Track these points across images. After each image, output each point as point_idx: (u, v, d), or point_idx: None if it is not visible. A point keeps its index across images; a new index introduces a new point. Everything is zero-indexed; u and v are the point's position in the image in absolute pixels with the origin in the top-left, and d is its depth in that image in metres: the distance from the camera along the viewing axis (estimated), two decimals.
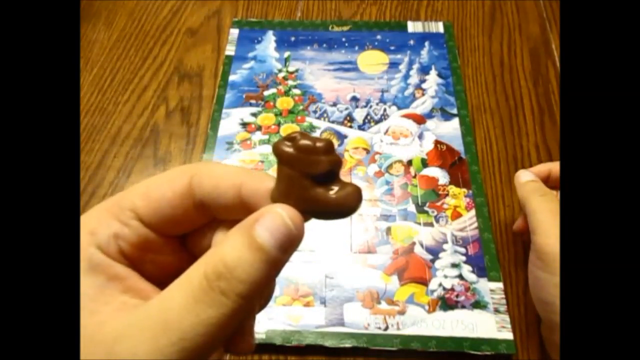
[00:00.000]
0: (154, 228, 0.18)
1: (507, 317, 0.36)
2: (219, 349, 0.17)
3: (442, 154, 0.45)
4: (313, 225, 0.43)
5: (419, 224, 0.41)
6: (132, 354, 0.14)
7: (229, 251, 0.15)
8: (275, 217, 0.16)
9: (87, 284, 0.16)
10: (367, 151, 0.46)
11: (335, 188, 0.16)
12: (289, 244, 0.16)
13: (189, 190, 0.18)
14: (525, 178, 0.36)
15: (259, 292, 0.16)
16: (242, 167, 0.18)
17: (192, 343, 0.15)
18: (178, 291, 0.15)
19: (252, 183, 0.17)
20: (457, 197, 0.42)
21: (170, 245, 0.19)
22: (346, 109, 0.48)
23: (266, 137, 0.47)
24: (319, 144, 0.16)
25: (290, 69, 0.51)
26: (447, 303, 0.37)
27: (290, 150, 0.16)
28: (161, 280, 0.17)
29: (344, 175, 0.44)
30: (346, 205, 0.16)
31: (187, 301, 0.15)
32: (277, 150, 0.17)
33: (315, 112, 0.48)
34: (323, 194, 0.16)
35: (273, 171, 0.44)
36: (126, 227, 0.17)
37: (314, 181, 0.16)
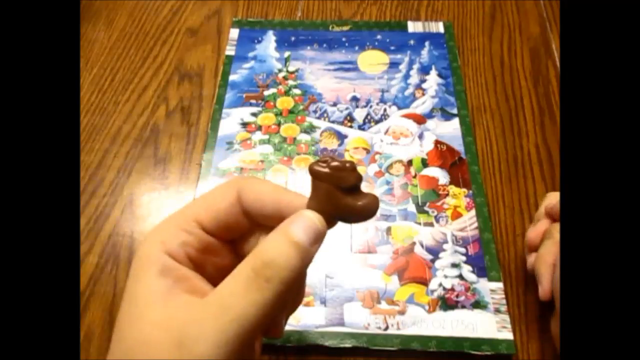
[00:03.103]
0: (213, 234, 0.22)
1: (507, 317, 0.36)
2: (263, 330, 0.21)
3: (442, 154, 0.45)
4: None
5: (419, 224, 0.41)
6: (200, 333, 0.18)
7: (271, 247, 0.20)
8: (306, 219, 0.21)
9: (159, 285, 0.20)
10: (367, 151, 0.46)
11: (360, 197, 0.21)
12: (317, 238, 0.21)
13: (238, 201, 0.22)
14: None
15: (295, 280, 0.20)
16: (279, 185, 0.23)
17: (246, 321, 0.18)
18: (231, 283, 0.19)
19: (288, 199, 0.22)
20: (457, 197, 0.42)
21: (226, 249, 0.24)
22: (346, 108, 0.48)
23: (266, 137, 0.47)
24: (347, 164, 0.21)
25: (291, 68, 0.51)
26: (447, 303, 0.37)
27: (324, 169, 0.21)
28: (218, 279, 0.21)
29: None
30: (370, 210, 0.21)
31: (239, 289, 0.19)
32: (313, 171, 0.21)
33: (315, 112, 0.48)
34: (352, 202, 0.21)
35: (273, 171, 0.44)
36: (192, 236, 0.22)
37: (344, 192, 0.21)
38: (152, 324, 0.19)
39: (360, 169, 0.44)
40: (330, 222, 0.22)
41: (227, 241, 0.24)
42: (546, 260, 0.33)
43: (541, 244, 0.34)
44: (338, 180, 0.21)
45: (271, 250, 0.20)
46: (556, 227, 0.34)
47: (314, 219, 0.21)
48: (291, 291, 0.20)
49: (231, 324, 0.18)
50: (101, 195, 0.44)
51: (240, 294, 0.19)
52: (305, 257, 0.20)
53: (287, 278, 0.19)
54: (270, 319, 0.20)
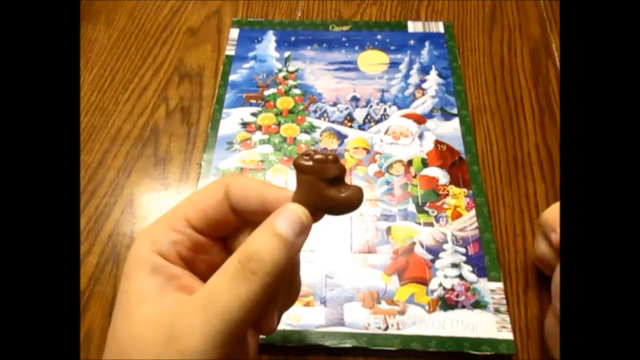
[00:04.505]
0: (203, 232, 0.23)
1: (507, 317, 0.36)
2: (252, 323, 0.20)
3: (442, 154, 0.45)
4: (313, 226, 0.43)
5: (419, 224, 0.41)
6: (189, 326, 0.19)
7: (256, 241, 0.20)
8: (291, 212, 0.21)
9: (150, 283, 0.20)
10: (367, 151, 0.46)
11: (343, 189, 0.22)
12: (302, 230, 0.21)
13: (226, 198, 0.22)
14: None
15: (281, 272, 0.20)
16: (265, 180, 0.24)
17: (232, 314, 0.19)
18: (218, 277, 0.20)
19: (273, 193, 0.22)
20: (457, 197, 0.42)
21: (216, 246, 0.24)
22: (346, 108, 0.48)
23: (266, 137, 0.47)
24: (329, 157, 0.21)
25: (291, 68, 0.51)
26: (447, 303, 0.37)
27: (308, 162, 0.21)
28: (210, 277, 0.21)
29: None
30: (353, 201, 0.21)
31: (225, 283, 0.19)
32: (298, 164, 0.22)
33: (315, 112, 0.48)
34: (335, 193, 0.21)
35: (273, 171, 0.44)
36: (182, 235, 0.22)
37: (327, 184, 0.21)
38: (142, 322, 0.19)
39: (360, 169, 0.45)
40: (315, 215, 0.22)
41: (217, 239, 0.24)
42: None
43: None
44: (321, 172, 0.21)
45: (256, 244, 0.20)
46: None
47: (298, 211, 0.21)
48: (279, 284, 0.21)
49: (218, 317, 0.19)
50: (101, 195, 0.44)
51: (226, 287, 0.19)
52: (290, 250, 0.20)
53: (273, 270, 0.19)
54: (258, 312, 0.20)
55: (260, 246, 0.20)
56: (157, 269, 0.21)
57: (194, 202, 0.23)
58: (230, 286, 0.19)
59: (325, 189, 0.21)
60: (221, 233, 0.24)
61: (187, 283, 0.21)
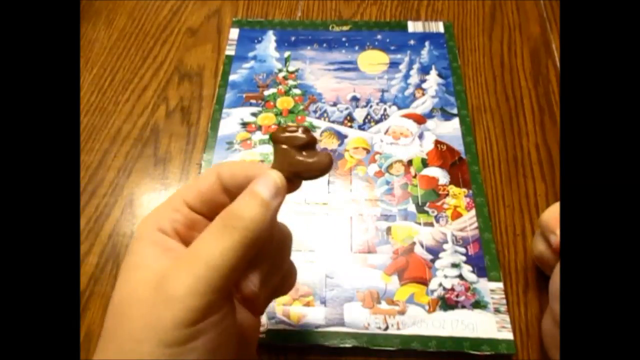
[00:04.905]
0: (199, 211, 0.25)
1: (507, 317, 0.36)
2: (235, 277, 0.23)
3: (442, 154, 0.45)
4: (313, 226, 0.43)
5: (419, 224, 0.41)
6: (175, 275, 0.21)
7: (237, 202, 0.23)
8: (267, 176, 0.24)
9: (149, 253, 0.23)
10: (367, 151, 0.46)
11: (314, 155, 0.24)
12: (276, 192, 0.23)
13: (217, 180, 0.25)
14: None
15: (259, 228, 0.22)
16: (251, 161, 0.26)
17: (214, 264, 0.21)
18: (204, 234, 0.22)
19: (256, 169, 0.24)
20: (457, 197, 0.42)
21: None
22: (346, 108, 0.48)
23: (266, 136, 0.47)
24: (300, 128, 0.24)
25: (291, 68, 0.51)
26: (447, 303, 0.37)
27: (282, 134, 0.24)
28: None
29: (344, 175, 0.44)
30: (321, 164, 0.24)
31: (208, 238, 0.22)
32: (274, 136, 0.25)
33: (315, 112, 0.48)
34: (304, 159, 0.24)
35: None
36: (179, 213, 0.25)
37: (298, 152, 0.24)
38: (137, 281, 0.22)
39: (360, 169, 0.45)
40: (292, 182, 0.24)
41: (211, 218, 0.25)
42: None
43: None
44: (292, 140, 0.24)
45: (236, 203, 0.23)
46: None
47: (273, 175, 0.24)
48: (259, 244, 0.23)
49: (202, 266, 0.21)
50: (101, 195, 0.44)
51: (210, 240, 0.22)
52: (267, 209, 0.23)
53: (251, 226, 0.22)
54: (239, 267, 0.22)
55: (240, 204, 0.23)
56: (155, 241, 0.23)
57: (191, 186, 0.25)
58: (213, 239, 0.22)
59: (296, 155, 0.24)
60: (214, 212, 0.26)
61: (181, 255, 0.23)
